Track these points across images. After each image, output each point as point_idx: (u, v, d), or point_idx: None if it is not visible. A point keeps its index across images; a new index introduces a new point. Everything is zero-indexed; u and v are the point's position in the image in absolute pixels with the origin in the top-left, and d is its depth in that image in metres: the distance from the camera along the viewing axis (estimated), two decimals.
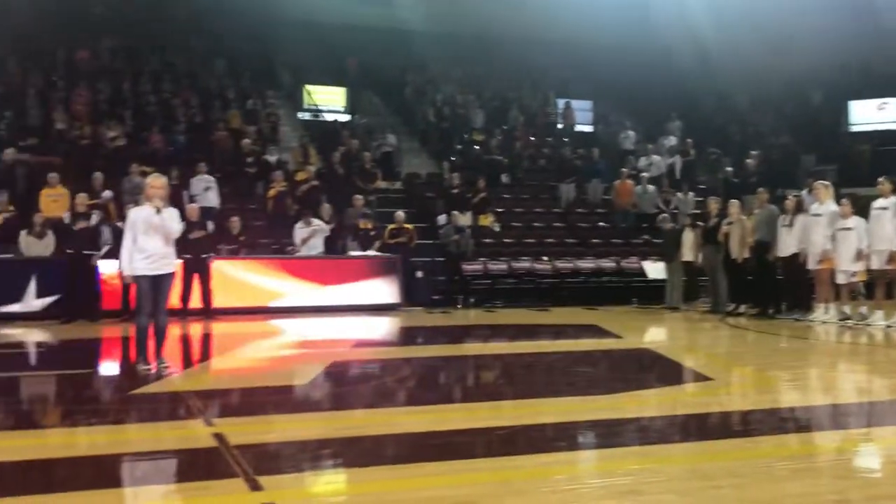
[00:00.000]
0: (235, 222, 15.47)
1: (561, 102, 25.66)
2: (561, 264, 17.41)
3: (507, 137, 22.55)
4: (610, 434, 5.66)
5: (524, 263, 17.28)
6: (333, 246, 16.17)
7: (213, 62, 23.50)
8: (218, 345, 11.72)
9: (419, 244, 16.93)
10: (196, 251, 13.43)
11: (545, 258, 17.61)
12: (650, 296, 16.60)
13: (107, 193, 15.43)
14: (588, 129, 25.99)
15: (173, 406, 6.65)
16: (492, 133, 22.19)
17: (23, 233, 14.18)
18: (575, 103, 25.67)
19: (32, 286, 13.71)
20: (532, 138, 23.77)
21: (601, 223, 20.19)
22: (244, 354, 10.22)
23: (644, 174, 20.29)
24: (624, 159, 21.58)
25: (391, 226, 16.59)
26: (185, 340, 11.48)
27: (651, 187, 19.87)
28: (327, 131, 21.92)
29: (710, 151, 23.06)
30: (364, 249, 16.10)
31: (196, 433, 5.55)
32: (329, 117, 22.51)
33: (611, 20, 26.01)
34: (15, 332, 12.21)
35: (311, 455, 5.05)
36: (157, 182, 7.82)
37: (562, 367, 9.10)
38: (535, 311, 15.64)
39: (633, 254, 18.21)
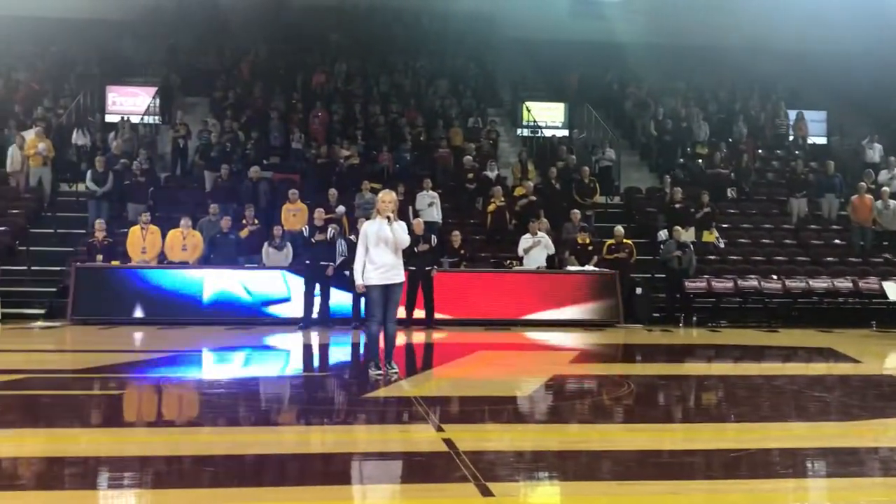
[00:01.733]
0: (456, 236, 15.99)
1: (792, 113, 24.39)
2: (792, 283, 16.57)
3: (732, 150, 21.77)
4: (847, 463, 5.35)
5: (751, 282, 16.60)
6: (551, 260, 16.30)
7: (437, 82, 24.40)
8: (440, 354, 12.16)
9: (639, 260, 16.70)
10: (420, 264, 14.00)
11: (774, 276, 16.84)
12: (892, 319, 15.43)
13: (340, 209, 16.45)
14: (821, 140, 24.53)
15: (403, 410, 7.00)
16: (717, 146, 21.51)
17: (265, 244, 15.40)
18: (807, 113, 24.31)
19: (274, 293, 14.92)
20: (760, 151, 22.81)
21: (836, 241, 19.03)
22: (466, 364, 10.53)
23: (885, 188, 18.89)
24: (862, 173, 20.19)
25: (609, 241, 16.49)
26: (411, 348, 12.01)
27: (893, 202, 18.47)
28: (546, 146, 22.14)
29: None
30: (581, 264, 16.10)
31: (427, 437, 5.83)
32: (548, 133, 22.71)
33: (843, 26, 24.44)
34: (255, 336, 13.28)
35: (534, 465, 5.17)
36: (387, 196, 8.23)
37: (792, 391, 8.66)
38: (762, 332, 15.02)
39: (873, 274, 17.02)
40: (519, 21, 25.35)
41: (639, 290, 16.29)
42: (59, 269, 16.27)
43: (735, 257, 18.08)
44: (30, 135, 18.64)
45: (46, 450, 5.44)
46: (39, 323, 14.49)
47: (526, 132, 23.37)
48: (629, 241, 16.55)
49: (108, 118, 22.09)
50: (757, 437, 6.08)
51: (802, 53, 24.88)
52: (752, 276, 16.85)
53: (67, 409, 7.00)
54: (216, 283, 14.97)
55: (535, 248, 15.92)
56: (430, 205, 17.27)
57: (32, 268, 16.63)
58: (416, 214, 16.60)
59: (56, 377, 8.85)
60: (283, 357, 11.81)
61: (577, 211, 17.41)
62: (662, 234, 17.70)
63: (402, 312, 12.97)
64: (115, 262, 15.22)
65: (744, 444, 5.81)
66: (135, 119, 21.22)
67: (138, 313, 14.64)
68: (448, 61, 25.74)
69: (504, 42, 25.70)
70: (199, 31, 25.35)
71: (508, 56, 25.70)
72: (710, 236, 18.19)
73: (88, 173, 17.64)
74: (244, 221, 16.09)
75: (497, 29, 25.78)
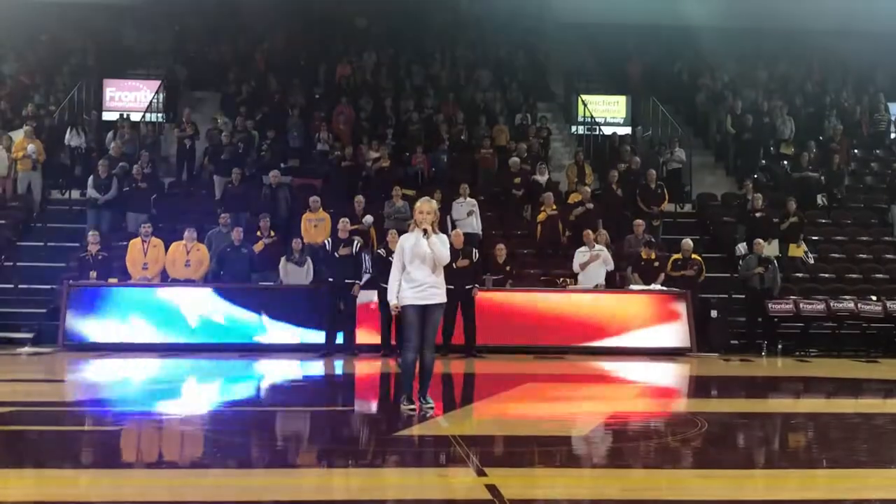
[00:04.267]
0: (501, 250, 15.99)
1: (893, 107, 24.12)
2: (894, 306, 16.31)
3: (823, 150, 21.56)
4: None
5: (846, 304, 16.38)
6: (611, 278, 16.23)
7: (479, 73, 24.48)
8: (483, 385, 12.16)
9: (714, 278, 16.62)
10: (460, 282, 13.99)
11: (873, 297, 16.61)
12: None
13: (368, 219, 16.54)
14: None
15: (440, 451, 7.01)
16: (804, 145, 21.32)
17: (283, 259, 15.53)
18: None
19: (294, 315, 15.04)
20: (856, 151, 22.57)
21: None
22: (512, 398, 10.52)
23: None
24: None
25: (675, 256, 16.41)
26: (448, 380, 12.02)
27: None
28: (605, 146, 22.09)
29: None
30: (647, 283, 16.01)
31: (467, 482, 5.83)
32: (607, 130, 22.67)
33: None
34: (271, 365, 13.39)
35: None
36: (425, 206, 8.26)
37: (895, 432, 8.55)
38: (859, 362, 14.83)
39: None
40: (574, 2, 25.37)
41: (714, 314, 16.16)
42: (49, 287, 16.52)
43: (827, 275, 17.88)
44: (18, 135, 19.01)
45: (35, 493, 5.52)
46: (27, 349, 14.71)
47: (582, 130, 23.36)
48: (698, 257, 16.43)
49: (106, 116, 22.47)
50: (853, 485, 6.02)
51: None
52: (848, 298, 16.62)
53: (58, 447, 7.10)
54: (226, 303, 15.11)
55: (593, 263, 15.86)
56: (468, 214, 17.30)
57: (19, 286, 16.90)
58: (454, 225, 16.63)
59: (46, 410, 8.99)
60: (302, 389, 11.88)
61: (641, 221, 17.32)
62: (741, 247, 17.55)
63: (438, 338, 13.03)
64: (112, 280, 15.43)
65: (837, 493, 5.75)
66: (136, 117, 21.55)
67: (139, 338, 14.80)
68: (492, 49, 25.82)
69: (557, 26, 25.72)
70: (209, 16, 25.69)
71: (562, 42, 25.71)
72: (798, 250, 18.01)
73: (90, 179, 17.89)
74: (258, 233, 16.21)
75: (549, 11, 25.82)
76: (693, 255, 16.35)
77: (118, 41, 25.18)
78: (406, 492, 5.74)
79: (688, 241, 16.59)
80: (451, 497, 5.51)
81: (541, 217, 17.66)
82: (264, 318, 15.03)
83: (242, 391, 11.30)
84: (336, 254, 14.34)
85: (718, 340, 15.96)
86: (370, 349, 14.46)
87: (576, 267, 16.01)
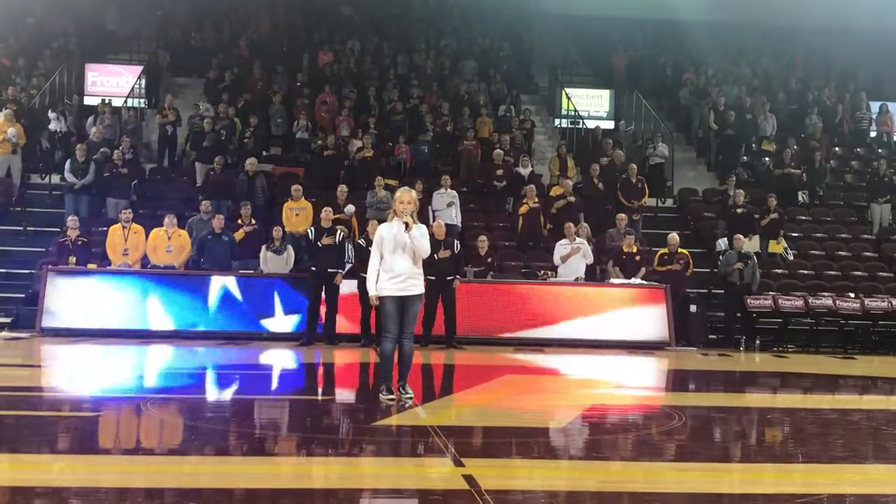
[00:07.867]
0: (483, 242, 15.98)
1: (874, 105, 24.25)
2: (872, 303, 16.43)
3: (804, 147, 21.66)
4: None
5: (825, 300, 16.48)
6: (591, 271, 16.26)
7: (463, 64, 24.45)
8: (462, 377, 12.17)
9: (694, 273, 16.62)
10: (441, 273, 14.01)
11: (852, 294, 16.72)
12: None
13: (349, 208, 16.51)
14: None
15: (418, 441, 7.01)
16: (786, 142, 21.41)
17: (263, 247, 15.49)
18: (892, 106, 24.17)
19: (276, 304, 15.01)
20: (836, 149, 22.68)
21: None
22: (491, 389, 10.53)
23: None
24: None
25: (661, 250, 16.43)
26: (428, 370, 12.03)
27: None
28: (588, 140, 22.12)
29: None
30: (627, 277, 16.05)
31: (445, 472, 5.84)
32: (590, 124, 22.69)
33: None
34: (251, 353, 13.36)
35: None
36: (405, 196, 8.23)
37: (870, 428, 8.61)
38: (836, 358, 14.91)
39: None
40: None
41: (693, 308, 16.20)
42: (28, 272, 16.42)
43: (806, 271, 17.96)
44: None
45: (10, 478, 5.49)
46: (5, 333, 14.63)
47: (565, 123, 23.37)
48: (685, 251, 16.46)
49: (87, 100, 22.32)
50: (828, 480, 6.06)
51: (887, 35, 24.69)
52: (826, 294, 16.73)
53: (35, 432, 7.06)
54: (206, 291, 15.04)
55: (573, 256, 15.89)
56: (448, 205, 17.28)
57: None
58: (434, 216, 16.60)
59: (22, 395, 8.94)
60: (282, 377, 11.86)
61: (622, 215, 17.36)
62: (722, 243, 17.63)
63: (419, 328, 13.03)
64: (91, 266, 15.34)
65: (812, 488, 5.78)
66: (117, 102, 21.38)
67: (119, 324, 14.73)
68: (477, 40, 25.79)
69: (542, 18, 25.73)
70: (193, 2, 25.54)
71: (546, 35, 25.72)
72: (778, 247, 18.09)
73: (67, 163, 17.78)
74: (239, 221, 16.16)
75: (534, 3, 25.80)
76: (680, 250, 16.37)
77: (101, 25, 24.98)
78: (383, 482, 5.74)
79: (674, 236, 16.62)
80: (429, 487, 5.51)
81: (522, 209, 17.66)
82: (245, 305, 14.98)
83: (221, 379, 11.26)
84: (319, 243, 14.30)
85: (697, 335, 16.01)
86: (350, 338, 14.46)
87: (556, 260, 16.04)
